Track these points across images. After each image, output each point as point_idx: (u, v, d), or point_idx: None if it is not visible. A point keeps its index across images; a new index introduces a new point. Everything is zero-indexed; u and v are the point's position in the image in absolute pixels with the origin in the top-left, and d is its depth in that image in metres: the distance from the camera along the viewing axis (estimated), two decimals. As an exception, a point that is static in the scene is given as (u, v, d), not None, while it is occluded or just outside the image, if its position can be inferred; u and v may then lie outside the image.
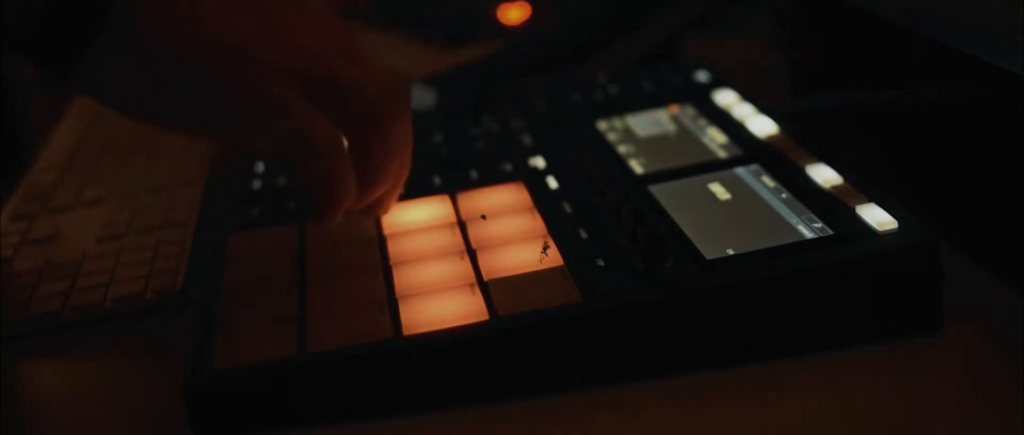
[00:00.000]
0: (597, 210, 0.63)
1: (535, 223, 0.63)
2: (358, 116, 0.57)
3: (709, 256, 0.56)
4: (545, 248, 0.60)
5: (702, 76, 0.80)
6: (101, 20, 0.52)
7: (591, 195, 0.65)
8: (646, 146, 0.70)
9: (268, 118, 0.55)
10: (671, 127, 0.73)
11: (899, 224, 0.56)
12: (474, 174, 0.71)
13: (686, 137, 0.71)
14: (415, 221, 0.66)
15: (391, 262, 0.62)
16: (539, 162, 0.71)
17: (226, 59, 0.54)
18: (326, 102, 0.56)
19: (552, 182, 0.68)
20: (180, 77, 0.54)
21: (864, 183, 0.61)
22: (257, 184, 0.74)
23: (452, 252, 0.62)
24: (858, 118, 0.77)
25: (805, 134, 0.68)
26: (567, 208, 0.64)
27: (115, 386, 0.62)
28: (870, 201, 0.58)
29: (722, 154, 0.67)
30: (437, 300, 0.57)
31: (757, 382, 0.55)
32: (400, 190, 0.64)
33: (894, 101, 0.72)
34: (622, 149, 0.70)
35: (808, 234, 0.57)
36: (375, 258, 0.63)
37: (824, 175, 0.62)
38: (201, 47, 0.54)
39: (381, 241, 0.64)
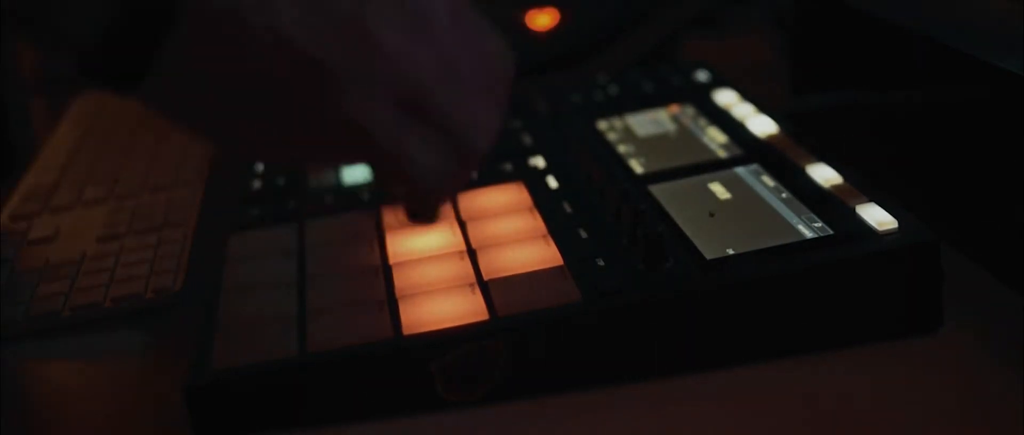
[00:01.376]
0: (597, 210, 0.63)
1: (535, 223, 0.63)
2: (453, 150, 0.51)
3: (709, 256, 0.56)
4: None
5: (702, 76, 0.80)
6: (163, 34, 0.45)
7: (591, 195, 0.65)
8: (646, 146, 0.70)
9: (357, 151, 0.50)
10: (671, 127, 0.73)
11: (899, 224, 0.56)
12: (474, 174, 0.70)
13: (686, 137, 0.71)
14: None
15: (391, 262, 0.62)
16: (539, 162, 0.71)
17: (307, 82, 0.46)
18: (423, 125, 0.50)
19: (552, 182, 0.68)
20: (254, 100, 0.47)
21: (864, 183, 0.61)
22: (257, 184, 0.74)
23: (452, 252, 0.62)
24: (858, 118, 0.77)
25: (805, 134, 0.68)
26: (567, 208, 0.64)
27: (115, 386, 0.62)
28: (870, 201, 0.58)
29: (722, 154, 0.67)
30: (437, 300, 0.57)
31: (757, 382, 0.55)
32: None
33: (894, 101, 0.72)
34: (622, 149, 0.70)
35: (808, 234, 0.57)
36: (375, 258, 0.63)
37: (824, 175, 0.62)
38: (278, 65, 0.46)
39: (381, 241, 0.64)
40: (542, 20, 0.96)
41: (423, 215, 0.55)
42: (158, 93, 0.47)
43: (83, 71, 0.46)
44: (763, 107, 0.73)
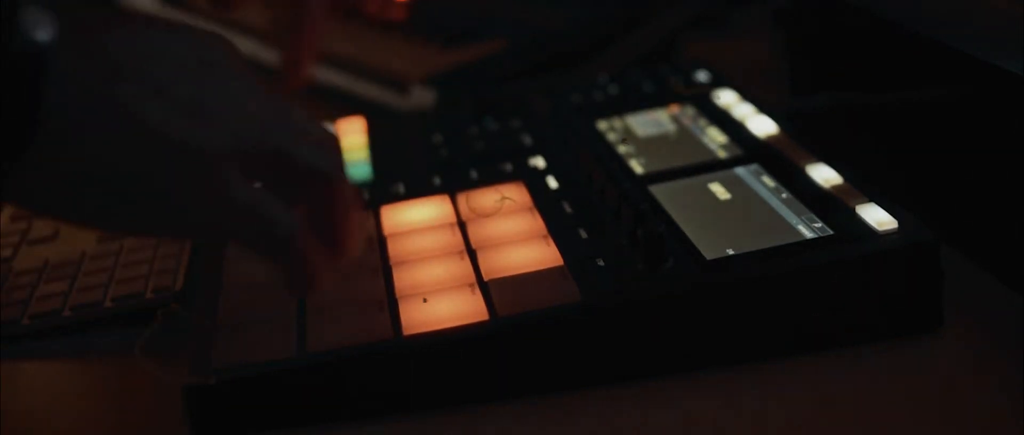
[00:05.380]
0: (597, 210, 0.63)
1: (535, 223, 0.63)
2: (310, 185, 0.52)
3: (709, 256, 0.56)
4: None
5: (702, 76, 0.80)
6: (28, 137, 0.45)
7: (591, 195, 0.65)
8: (646, 146, 0.70)
9: (218, 211, 0.50)
10: (671, 127, 0.73)
11: (899, 224, 0.56)
12: (474, 174, 0.71)
13: (686, 137, 0.71)
14: (415, 221, 0.66)
15: (391, 262, 0.62)
16: (539, 162, 0.71)
17: (155, 150, 0.48)
18: (276, 182, 0.52)
19: (552, 182, 0.68)
20: (116, 180, 0.48)
21: (864, 183, 0.61)
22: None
23: (452, 252, 0.62)
24: (858, 118, 0.77)
25: (805, 134, 0.68)
26: (567, 208, 0.64)
27: (115, 386, 0.62)
28: (870, 201, 0.58)
29: (722, 154, 0.67)
30: (437, 300, 0.57)
31: (757, 382, 0.55)
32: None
33: (893, 101, 0.72)
34: (622, 149, 0.70)
35: (808, 234, 0.57)
36: (375, 258, 0.63)
37: (824, 175, 0.62)
38: (125, 140, 0.48)
39: (381, 241, 0.64)
40: None
41: (307, 278, 0.53)
42: (21, 190, 0.48)
43: None
44: (763, 107, 0.73)
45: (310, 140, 0.52)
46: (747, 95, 0.75)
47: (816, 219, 0.58)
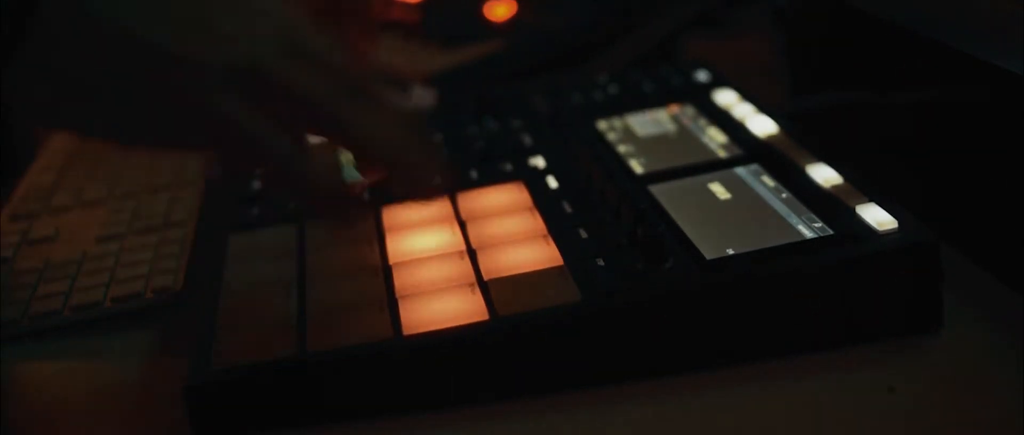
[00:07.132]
0: (597, 210, 0.63)
1: (535, 223, 0.63)
2: (306, 106, 0.51)
3: (709, 256, 0.56)
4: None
5: (702, 76, 0.80)
6: (18, 39, 0.47)
7: (591, 195, 0.65)
8: (646, 146, 0.70)
9: (202, 126, 0.50)
10: (671, 127, 0.73)
11: (899, 224, 0.56)
12: (474, 174, 0.71)
13: (686, 137, 0.71)
14: (415, 221, 0.66)
15: (391, 262, 0.62)
16: (539, 162, 0.71)
17: (148, 62, 0.48)
18: (267, 99, 0.50)
19: (552, 182, 0.68)
20: (100, 86, 0.49)
21: (864, 183, 0.61)
22: (257, 184, 0.74)
23: (452, 252, 0.62)
24: (858, 118, 0.77)
25: (805, 134, 0.68)
26: (567, 208, 0.64)
27: (115, 386, 0.62)
28: (870, 201, 0.58)
29: (722, 154, 0.67)
30: (437, 300, 0.57)
31: (757, 382, 0.55)
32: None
33: (894, 101, 0.72)
34: (622, 149, 0.70)
35: (808, 234, 0.57)
36: (375, 258, 0.63)
37: (824, 175, 0.62)
38: (120, 50, 0.48)
39: (381, 241, 0.64)
40: (500, 11, 0.98)
41: (319, 198, 0.53)
42: (15, 82, 0.48)
43: None
44: (763, 107, 0.73)
45: (312, 62, 0.50)
46: (747, 95, 0.75)
47: (816, 219, 0.58)
